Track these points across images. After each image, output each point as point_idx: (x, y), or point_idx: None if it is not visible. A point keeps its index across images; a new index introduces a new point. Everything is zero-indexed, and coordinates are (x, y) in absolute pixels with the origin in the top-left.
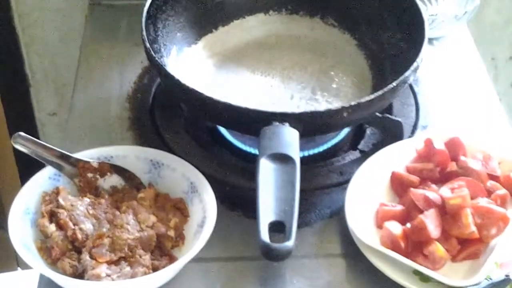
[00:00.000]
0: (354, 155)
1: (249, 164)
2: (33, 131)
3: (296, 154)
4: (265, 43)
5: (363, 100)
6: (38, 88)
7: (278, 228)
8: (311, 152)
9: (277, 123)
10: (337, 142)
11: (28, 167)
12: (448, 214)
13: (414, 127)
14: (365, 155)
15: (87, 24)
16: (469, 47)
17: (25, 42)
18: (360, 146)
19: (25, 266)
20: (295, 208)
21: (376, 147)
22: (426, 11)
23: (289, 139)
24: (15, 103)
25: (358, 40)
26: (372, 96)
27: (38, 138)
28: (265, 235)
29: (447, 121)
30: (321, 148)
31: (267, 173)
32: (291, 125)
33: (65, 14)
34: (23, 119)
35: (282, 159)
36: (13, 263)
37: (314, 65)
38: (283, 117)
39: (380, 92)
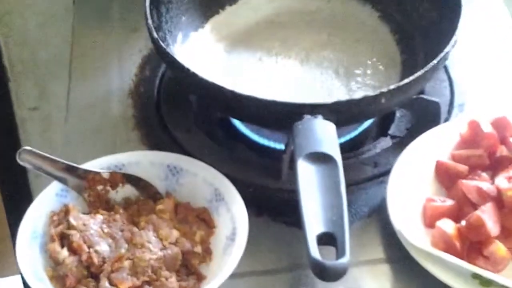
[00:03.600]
0: (385, 142)
1: (272, 160)
2: (12, 129)
3: (336, 151)
4: (278, 21)
5: (402, 83)
6: (18, 82)
7: (325, 240)
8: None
9: (309, 116)
10: (364, 128)
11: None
12: (506, 207)
13: (450, 106)
14: (398, 142)
15: (76, 9)
16: (499, 9)
17: (2, 31)
18: (391, 131)
19: None
20: (345, 216)
21: (411, 133)
22: None
23: (325, 135)
24: None
25: (381, 12)
26: (412, 78)
27: (18, 136)
28: (315, 252)
29: (484, 96)
30: (348, 137)
31: (307, 177)
32: (324, 117)
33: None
34: (2, 117)
35: (321, 158)
36: None
37: (334, 42)
38: (315, 109)
39: (421, 72)
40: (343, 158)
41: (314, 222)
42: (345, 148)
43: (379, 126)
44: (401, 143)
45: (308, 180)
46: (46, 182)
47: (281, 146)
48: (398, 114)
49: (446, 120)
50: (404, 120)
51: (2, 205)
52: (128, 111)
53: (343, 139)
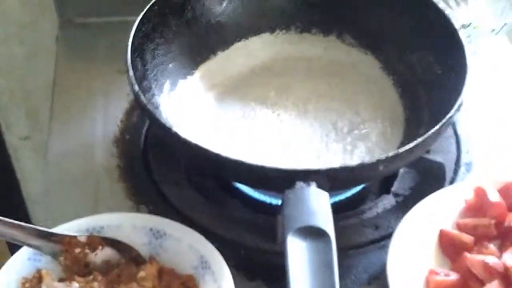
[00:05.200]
0: (388, 200)
1: (268, 217)
2: (4, 157)
3: (329, 225)
4: (273, 69)
5: (401, 150)
6: (6, 111)
7: None
8: (337, 198)
9: (302, 183)
10: (366, 184)
11: None
12: None
13: (457, 164)
14: (401, 201)
15: (59, 47)
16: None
17: None
18: (393, 189)
19: None
20: None
21: (414, 192)
22: (461, 30)
23: (318, 206)
24: None
25: (383, 63)
26: (412, 145)
27: (11, 165)
28: None
29: (494, 154)
30: (348, 193)
31: (297, 255)
32: (318, 185)
33: (32, 29)
34: None
35: (313, 234)
36: None
37: (334, 93)
38: (308, 176)
39: (422, 139)
40: (342, 217)
41: None
42: (344, 206)
43: (381, 182)
44: (404, 203)
45: (298, 259)
46: (45, 211)
47: (277, 201)
48: (402, 170)
49: (452, 180)
50: (408, 178)
51: None
52: (113, 161)
53: (343, 196)
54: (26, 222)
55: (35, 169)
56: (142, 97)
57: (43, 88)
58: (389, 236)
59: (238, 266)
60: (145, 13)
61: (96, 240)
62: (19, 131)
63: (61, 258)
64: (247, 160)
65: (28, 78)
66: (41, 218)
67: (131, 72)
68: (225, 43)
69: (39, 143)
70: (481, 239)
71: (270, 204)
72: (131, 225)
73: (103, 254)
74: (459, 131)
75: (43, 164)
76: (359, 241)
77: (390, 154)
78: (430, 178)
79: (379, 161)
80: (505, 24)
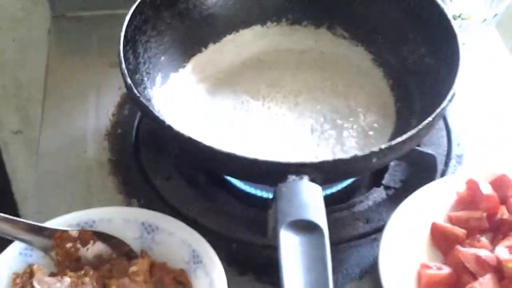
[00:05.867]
0: (379, 193)
1: (260, 211)
2: None
3: (322, 219)
4: (265, 61)
5: (394, 142)
6: None
7: None
8: (328, 191)
9: (294, 177)
10: (357, 178)
11: None
12: (506, 279)
13: (448, 157)
14: (392, 194)
15: (51, 41)
16: (501, 52)
17: None
18: (384, 182)
19: None
20: None
21: (406, 184)
22: (454, 23)
23: (311, 199)
24: None
25: (374, 54)
26: (405, 137)
27: (1, 159)
28: None
29: (484, 146)
30: (339, 186)
31: (290, 249)
32: (310, 179)
33: (24, 23)
34: None
35: (306, 227)
36: None
37: (324, 85)
38: (301, 169)
39: (415, 130)
40: (334, 210)
41: None
42: (335, 199)
43: (372, 175)
44: (395, 196)
45: (291, 253)
46: (36, 205)
47: (268, 195)
48: (392, 163)
49: (443, 172)
50: (399, 170)
51: None
52: (104, 155)
53: (334, 189)
54: (16, 217)
55: (26, 163)
56: (135, 90)
57: (35, 82)
58: (380, 229)
59: (230, 260)
60: (137, 5)
61: (87, 235)
62: (10, 125)
63: (53, 253)
64: (239, 153)
65: (20, 72)
66: (32, 212)
67: (123, 65)
68: (217, 36)
69: (30, 137)
70: (473, 232)
71: (261, 198)
72: (122, 219)
73: (95, 248)
74: (450, 123)
75: (34, 158)
76: (350, 234)
77: (383, 146)
78: (421, 170)
79: (372, 154)
80: (495, 14)
